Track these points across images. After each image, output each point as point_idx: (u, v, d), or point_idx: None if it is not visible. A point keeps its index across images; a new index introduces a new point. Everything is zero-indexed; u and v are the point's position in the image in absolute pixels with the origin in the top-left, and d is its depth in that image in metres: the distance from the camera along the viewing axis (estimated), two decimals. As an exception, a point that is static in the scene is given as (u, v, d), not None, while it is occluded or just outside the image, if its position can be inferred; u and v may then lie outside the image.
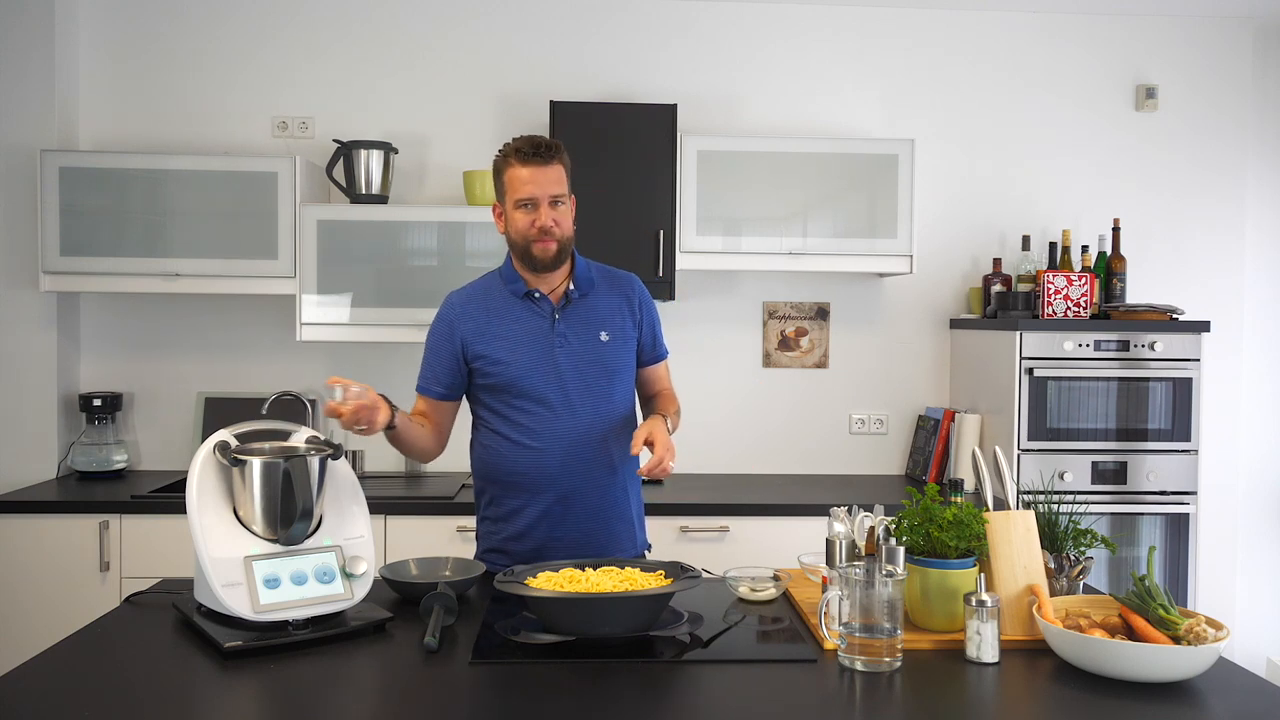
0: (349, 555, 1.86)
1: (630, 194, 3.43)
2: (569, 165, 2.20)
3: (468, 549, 3.15)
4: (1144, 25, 3.89)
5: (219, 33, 3.72)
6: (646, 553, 2.37)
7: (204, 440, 1.87)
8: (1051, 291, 3.43)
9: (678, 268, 3.47)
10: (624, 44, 3.80)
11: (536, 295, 2.21)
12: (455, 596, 1.85)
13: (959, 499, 1.85)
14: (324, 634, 1.75)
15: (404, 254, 3.43)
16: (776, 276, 3.83)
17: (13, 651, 2.92)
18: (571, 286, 2.23)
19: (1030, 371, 3.36)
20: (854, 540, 1.96)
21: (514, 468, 2.19)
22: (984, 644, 1.68)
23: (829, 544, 1.97)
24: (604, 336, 2.22)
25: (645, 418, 2.31)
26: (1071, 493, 3.10)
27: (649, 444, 2.08)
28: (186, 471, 1.91)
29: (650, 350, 2.33)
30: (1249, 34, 3.90)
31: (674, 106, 3.48)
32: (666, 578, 1.81)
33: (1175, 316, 3.44)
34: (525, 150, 2.13)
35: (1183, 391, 3.38)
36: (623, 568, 1.87)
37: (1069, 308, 3.43)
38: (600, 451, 2.19)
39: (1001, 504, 1.92)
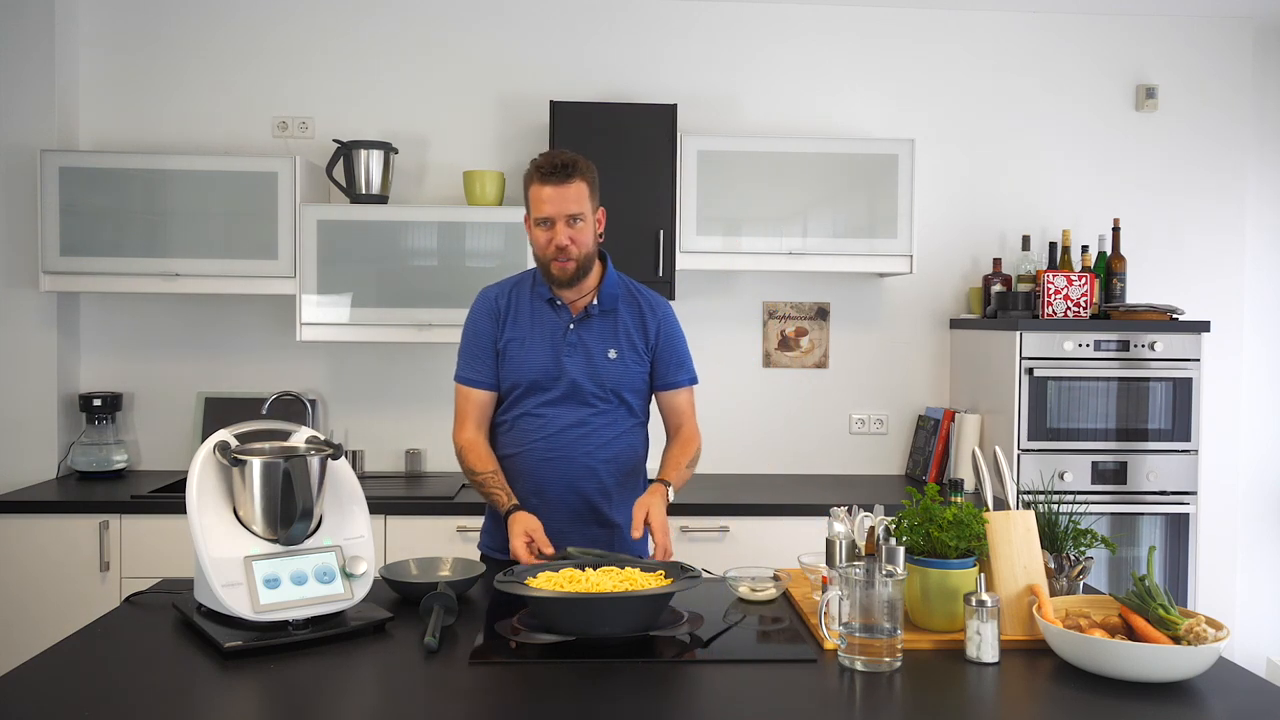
0: (349, 555, 1.86)
1: (630, 194, 3.43)
2: (594, 180, 2.24)
3: (468, 549, 3.16)
4: (1144, 25, 3.89)
5: (219, 33, 3.72)
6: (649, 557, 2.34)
7: (204, 440, 1.87)
8: (1051, 291, 3.43)
9: (678, 268, 3.47)
10: (624, 44, 3.80)
11: (559, 303, 2.29)
12: (455, 596, 1.85)
13: (959, 499, 1.85)
14: (324, 634, 1.75)
15: (404, 254, 3.43)
16: (776, 276, 3.83)
17: (13, 651, 2.92)
18: (595, 301, 2.29)
19: (1030, 371, 3.35)
20: (854, 540, 1.96)
21: (501, 453, 2.32)
22: (984, 644, 1.68)
23: (829, 544, 1.97)
24: (611, 354, 2.27)
25: (662, 468, 2.30)
26: (1071, 493, 3.09)
27: (649, 522, 2.12)
28: (186, 471, 1.91)
29: (664, 375, 2.34)
30: (1249, 34, 3.90)
31: (674, 106, 3.48)
32: (666, 578, 1.81)
33: (1175, 316, 3.44)
34: (545, 168, 2.17)
35: (1183, 391, 3.38)
36: (623, 568, 1.87)
37: (1069, 308, 3.43)
38: (582, 459, 2.26)
39: (1001, 504, 1.92)
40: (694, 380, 2.39)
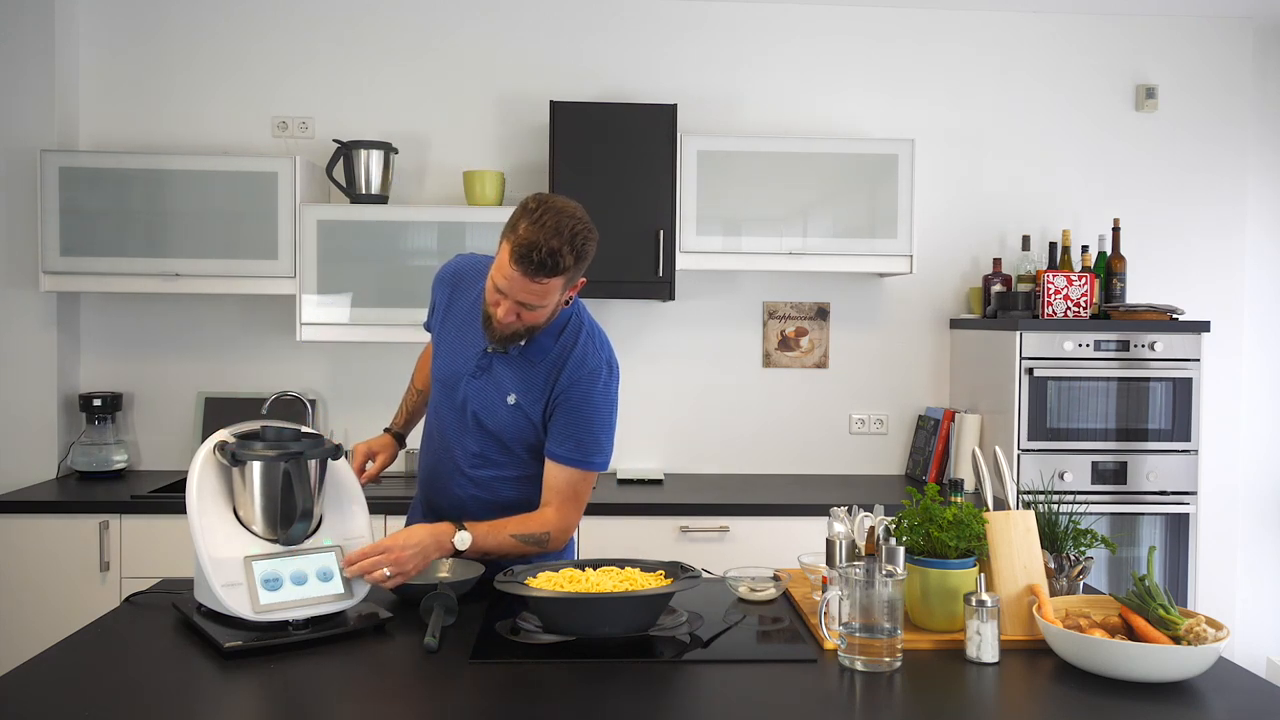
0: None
1: (630, 194, 3.43)
2: (579, 269, 1.93)
3: (468, 549, 3.15)
4: (1144, 25, 3.89)
5: (219, 33, 3.72)
6: None
7: (204, 440, 1.87)
8: (1051, 291, 3.43)
9: (678, 268, 3.47)
10: (624, 44, 3.80)
11: (493, 322, 2.01)
12: (455, 596, 1.85)
13: (959, 499, 1.85)
14: (324, 634, 1.75)
15: (404, 254, 3.43)
16: (776, 276, 3.83)
17: (13, 651, 2.92)
18: (524, 341, 2.03)
19: (1030, 371, 3.35)
20: (854, 540, 1.95)
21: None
22: (984, 644, 1.68)
23: (829, 544, 1.97)
24: (510, 399, 2.05)
25: None
26: (1071, 493, 3.10)
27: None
28: (186, 471, 1.91)
29: (548, 442, 2.05)
30: (1249, 34, 3.90)
31: (674, 106, 3.48)
32: (666, 578, 1.81)
33: (1175, 316, 3.44)
34: (523, 251, 1.84)
35: (1183, 391, 3.38)
36: (622, 568, 1.87)
37: (1069, 308, 3.43)
38: (459, 486, 2.14)
39: (1001, 504, 1.92)
40: (585, 465, 2.04)
